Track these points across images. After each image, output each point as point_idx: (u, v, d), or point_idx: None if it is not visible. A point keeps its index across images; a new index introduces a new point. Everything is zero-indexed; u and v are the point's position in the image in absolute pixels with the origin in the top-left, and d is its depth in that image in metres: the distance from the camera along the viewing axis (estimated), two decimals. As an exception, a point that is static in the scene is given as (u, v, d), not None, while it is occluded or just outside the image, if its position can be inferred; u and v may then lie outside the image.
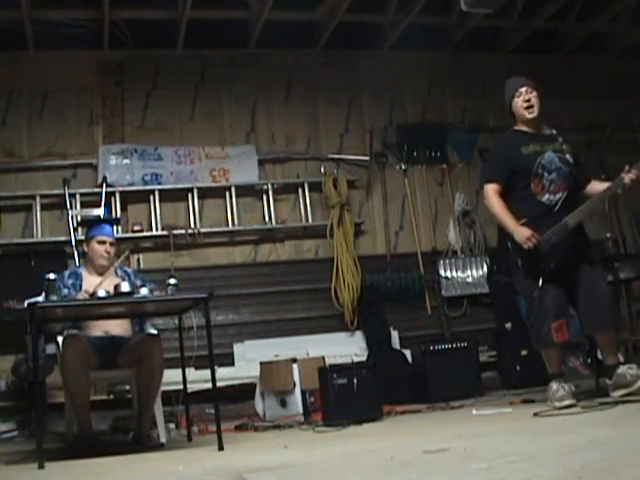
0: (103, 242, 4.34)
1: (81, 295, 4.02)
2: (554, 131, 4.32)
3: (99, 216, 5.85)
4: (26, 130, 6.43)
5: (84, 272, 4.35)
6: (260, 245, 6.75)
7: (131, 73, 6.76)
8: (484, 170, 4.51)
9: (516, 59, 7.42)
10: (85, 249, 4.47)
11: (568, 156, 4.17)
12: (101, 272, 4.32)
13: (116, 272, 4.40)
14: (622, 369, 3.90)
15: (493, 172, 4.26)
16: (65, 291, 4.17)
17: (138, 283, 4.13)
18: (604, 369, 4.10)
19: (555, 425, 3.38)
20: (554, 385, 3.98)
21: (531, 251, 3.97)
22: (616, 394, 3.89)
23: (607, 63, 7.62)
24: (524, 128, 4.26)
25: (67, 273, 4.40)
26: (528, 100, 4.19)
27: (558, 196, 4.09)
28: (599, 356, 4.91)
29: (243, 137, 6.92)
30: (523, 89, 4.21)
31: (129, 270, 4.58)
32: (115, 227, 4.79)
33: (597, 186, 4.23)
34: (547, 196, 4.09)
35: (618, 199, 6.61)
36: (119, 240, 4.63)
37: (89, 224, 4.56)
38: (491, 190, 4.18)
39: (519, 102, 4.22)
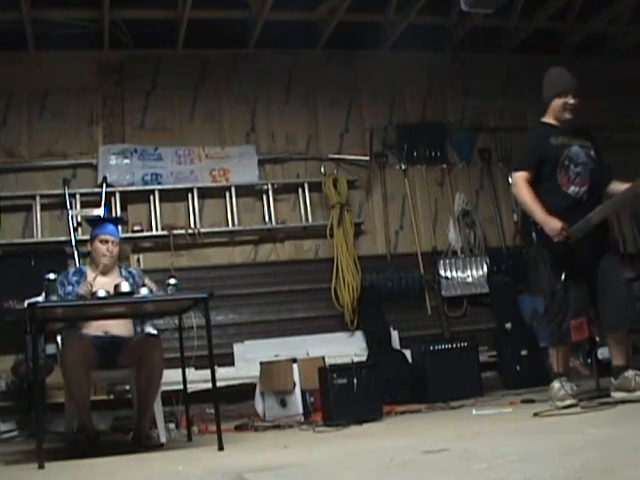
0: (105, 241, 4.34)
1: (84, 286, 4.03)
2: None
3: (101, 215, 5.85)
4: (26, 130, 6.43)
5: (88, 270, 4.37)
6: (260, 245, 6.74)
7: (131, 73, 6.76)
8: (513, 159, 4.41)
9: (516, 59, 7.42)
10: (89, 248, 4.50)
11: (592, 153, 4.12)
12: (104, 271, 4.32)
13: (121, 272, 4.40)
14: (630, 373, 3.88)
15: (523, 160, 4.20)
16: (69, 288, 4.20)
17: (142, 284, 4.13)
18: (610, 368, 4.08)
19: (555, 425, 3.38)
20: (556, 384, 3.96)
21: (559, 244, 3.90)
22: (616, 395, 3.89)
23: (607, 63, 7.60)
24: (554, 122, 4.19)
25: (72, 271, 4.45)
26: (574, 106, 4.12)
27: (584, 189, 4.02)
28: (599, 356, 4.92)
29: (243, 137, 6.91)
30: (572, 94, 4.12)
31: (134, 271, 4.57)
32: (120, 227, 4.77)
33: (618, 186, 4.11)
34: (573, 188, 4.03)
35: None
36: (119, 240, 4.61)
37: (93, 223, 4.56)
38: (520, 178, 4.09)
39: (563, 103, 4.12)
